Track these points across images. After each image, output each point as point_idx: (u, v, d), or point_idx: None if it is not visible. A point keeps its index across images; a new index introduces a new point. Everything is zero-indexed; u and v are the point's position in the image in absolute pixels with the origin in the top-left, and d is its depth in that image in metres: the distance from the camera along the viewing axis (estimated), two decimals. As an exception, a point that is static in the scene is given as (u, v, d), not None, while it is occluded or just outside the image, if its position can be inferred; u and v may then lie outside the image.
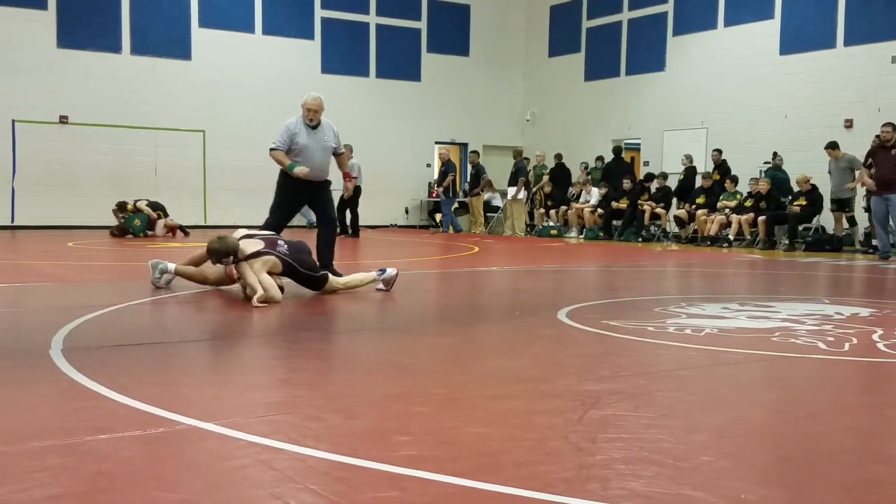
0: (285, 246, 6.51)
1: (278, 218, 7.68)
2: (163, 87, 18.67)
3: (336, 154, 7.84)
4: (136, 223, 15.31)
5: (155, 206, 15.89)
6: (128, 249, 12.41)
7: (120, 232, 15.19)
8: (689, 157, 17.47)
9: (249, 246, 6.35)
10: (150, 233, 15.45)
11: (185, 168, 18.99)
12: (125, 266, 9.81)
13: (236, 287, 6.67)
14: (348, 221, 16.40)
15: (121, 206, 15.36)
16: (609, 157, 19.21)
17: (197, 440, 2.77)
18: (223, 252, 6.30)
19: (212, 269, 6.78)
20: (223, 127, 19.23)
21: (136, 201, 15.64)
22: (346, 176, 8.18)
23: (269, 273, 6.32)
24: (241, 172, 19.12)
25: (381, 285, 6.97)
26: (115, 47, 18.31)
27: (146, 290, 6.71)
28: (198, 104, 18.98)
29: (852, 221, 14.47)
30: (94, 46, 18.07)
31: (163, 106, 18.71)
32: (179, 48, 18.87)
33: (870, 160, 12.47)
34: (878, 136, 13.17)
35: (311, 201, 7.86)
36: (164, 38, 18.71)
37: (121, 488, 2.31)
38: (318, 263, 6.97)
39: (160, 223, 15.72)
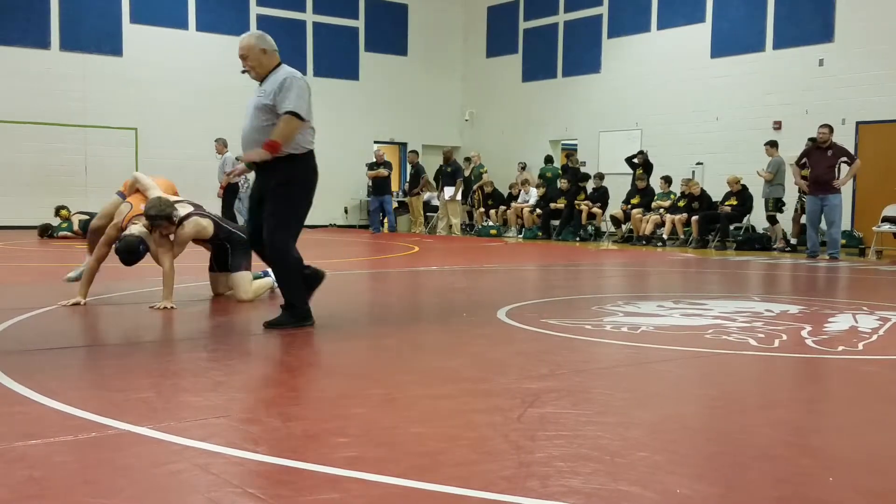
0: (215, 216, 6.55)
1: (248, 227, 5.57)
2: (93, 84, 18.24)
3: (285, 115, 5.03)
4: (63, 226, 15.12)
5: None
6: (57, 251, 12.09)
7: (44, 232, 14.90)
8: (581, 162, 18.23)
9: (182, 209, 6.28)
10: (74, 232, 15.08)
11: (116, 167, 18.51)
12: (54, 267, 9.56)
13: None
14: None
15: (57, 210, 15.26)
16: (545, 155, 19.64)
17: (130, 445, 2.71)
18: (162, 215, 6.02)
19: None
20: (156, 125, 18.87)
21: (72, 213, 15.42)
22: (270, 146, 5.01)
23: (197, 240, 6.32)
24: (175, 171, 18.65)
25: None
26: (44, 43, 17.82)
27: (76, 292, 6.53)
28: (129, 101, 18.58)
29: (772, 220, 14.85)
30: (22, 42, 17.56)
31: (93, 103, 18.27)
32: (110, 44, 18.45)
33: (804, 160, 12.73)
34: (811, 139, 13.54)
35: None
36: (95, 33, 18.28)
37: (52, 494, 2.25)
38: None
39: None
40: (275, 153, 5.06)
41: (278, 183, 5.10)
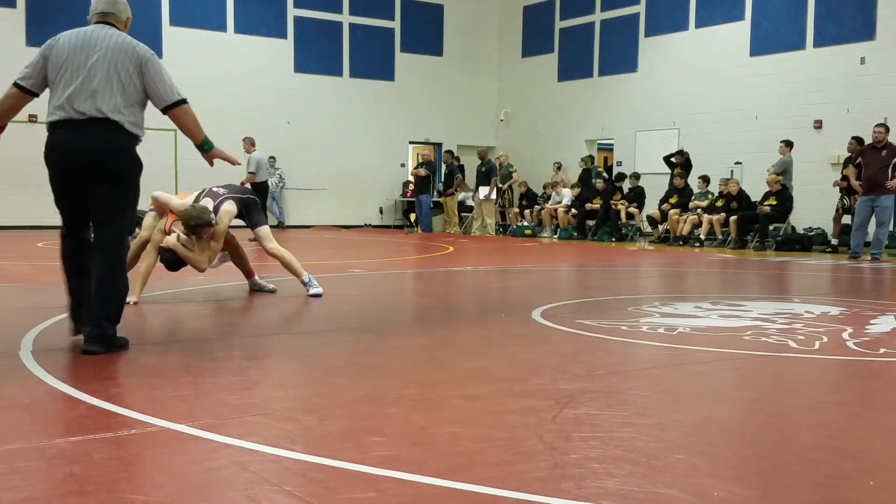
0: (224, 189, 6.71)
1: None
2: (133, 86, 18.48)
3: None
4: None
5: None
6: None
7: None
8: (589, 159, 18.35)
9: (209, 206, 6.46)
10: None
11: (155, 169, 18.67)
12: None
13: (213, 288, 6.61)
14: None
15: None
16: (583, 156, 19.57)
17: (170, 442, 2.75)
18: (203, 223, 6.20)
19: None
20: (195, 126, 19.07)
21: None
22: None
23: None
24: (212, 172, 18.95)
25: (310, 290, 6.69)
26: (85, 45, 18.10)
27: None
28: (169, 103, 18.80)
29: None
30: (63, 44, 17.84)
31: (133, 105, 18.51)
32: (150, 46, 18.44)
33: (858, 160, 12.51)
34: (854, 138, 13.34)
35: None
36: (134, 36, 18.13)
37: (92, 491, 2.29)
38: None
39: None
40: None
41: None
